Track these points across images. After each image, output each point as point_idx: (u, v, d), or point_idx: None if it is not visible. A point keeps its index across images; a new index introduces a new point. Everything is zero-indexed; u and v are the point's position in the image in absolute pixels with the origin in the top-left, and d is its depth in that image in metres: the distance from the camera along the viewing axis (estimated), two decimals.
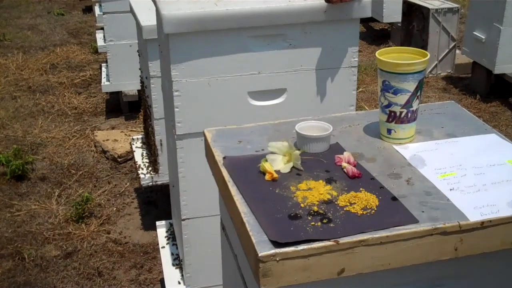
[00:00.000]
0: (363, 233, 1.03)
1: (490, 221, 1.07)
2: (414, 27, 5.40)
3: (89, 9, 7.68)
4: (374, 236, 1.02)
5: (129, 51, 4.12)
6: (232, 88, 1.93)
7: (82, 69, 5.70)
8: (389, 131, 1.36)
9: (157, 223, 2.73)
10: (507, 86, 4.69)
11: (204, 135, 1.43)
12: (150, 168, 3.15)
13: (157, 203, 3.45)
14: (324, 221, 1.06)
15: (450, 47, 5.25)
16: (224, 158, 1.30)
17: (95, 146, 4.11)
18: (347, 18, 1.91)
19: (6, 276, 2.87)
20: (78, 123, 4.54)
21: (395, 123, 1.34)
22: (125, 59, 4.24)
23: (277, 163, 1.25)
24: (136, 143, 3.47)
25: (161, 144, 2.95)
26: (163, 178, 3.06)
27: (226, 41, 1.87)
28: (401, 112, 1.33)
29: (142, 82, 3.22)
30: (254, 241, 1.02)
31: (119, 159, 3.91)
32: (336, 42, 1.95)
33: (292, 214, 1.08)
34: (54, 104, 4.87)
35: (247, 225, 1.07)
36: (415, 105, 1.33)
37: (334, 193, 1.15)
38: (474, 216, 1.08)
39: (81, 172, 3.81)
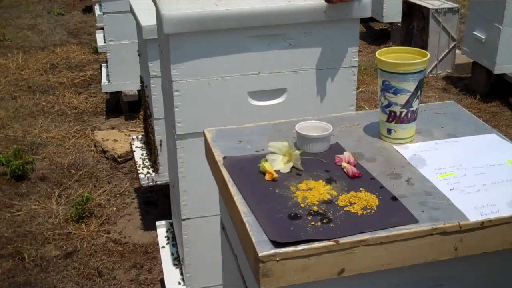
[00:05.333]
0: (363, 233, 1.03)
1: (490, 221, 1.07)
2: (414, 27, 5.40)
3: (89, 9, 7.68)
4: (374, 236, 1.02)
5: (129, 51, 4.12)
6: (232, 88, 1.93)
7: (82, 69, 5.70)
8: (389, 131, 1.36)
9: (157, 223, 2.73)
10: (507, 86, 4.69)
11: (204, 135, 1.43)
12: (150, 168, 3.15)
13: (157, 203, 3.45)
14: (324, 221, 1.06)
15: (450, 47, 5.25)
16: (224, 158, 1.30)
17: (95, 146, 4.11)
18: (347, 18, 1.91)
19: (6, 276, 2.87)
20: (78, 123, 4.54)
21: (395, 123, 1.34)
22: (125, 59, 4.24)
23: (277, 163, 1.25)
24: (136, 143, 3.47)
25: (161, 144, 2.95)
26: (163, 178, 3.06)
27: (226, 41, 1.87)
28: (401, 112, 1.33)
29: (142, 82, 3.22)
30: (254, 241, 1.02)
31: (119, 159, 3.91)
32: (336, 42, 1.95)
33: (292, 214, 1.08)
34: (54, 104, 4.87)
35: (247, 225, 1.07)
36: (415, 105, 1.33)
37: (334, 193, 1.15)
38: (474, 216, 1.08)
39: (81, 172, 3.81)
